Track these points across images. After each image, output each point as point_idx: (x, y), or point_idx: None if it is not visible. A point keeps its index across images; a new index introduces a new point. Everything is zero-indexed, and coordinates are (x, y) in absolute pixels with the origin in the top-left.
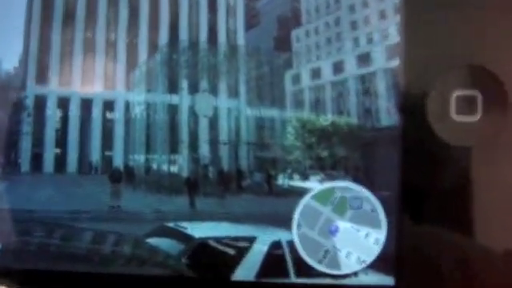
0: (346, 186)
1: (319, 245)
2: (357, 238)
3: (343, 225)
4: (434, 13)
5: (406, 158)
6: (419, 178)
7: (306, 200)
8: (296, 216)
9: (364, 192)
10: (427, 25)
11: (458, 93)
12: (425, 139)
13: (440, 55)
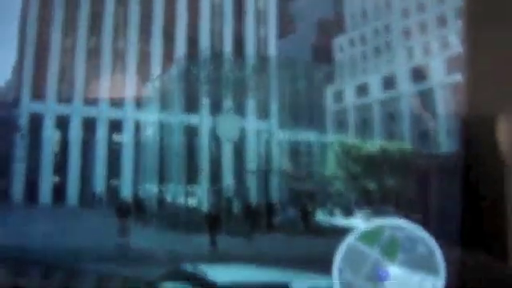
0: (397, 224)
1: None
2: (410, 285)
3: (394, 270)
4: (502, 17)
5: (471, 190)
6: (486, 215)
7: (349, 240)
8: (338, 259)
9: (419, 231)
10: (495, 32)
11: None
12: (493, 168)
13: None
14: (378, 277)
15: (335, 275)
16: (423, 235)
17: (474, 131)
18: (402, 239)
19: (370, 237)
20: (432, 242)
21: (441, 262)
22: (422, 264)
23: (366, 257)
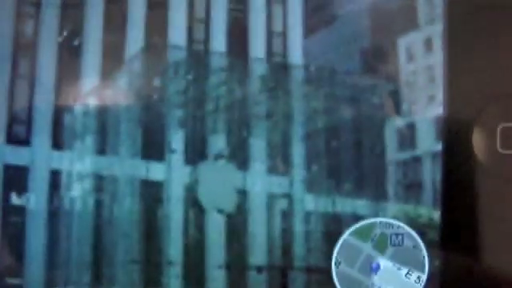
0: (386, 221)
1: (359, 283)
2: (398, 277)
3: (384, 262)
4: (477, 40)
5: (451, 192)
6: (464, 214)
7: (345, 237)
8: (335, 253)
9: (405, 228)
10: (470, 52)
11: (503, 125)
12: (470, 173)
13: (485, 85)
14: (370, 268)
15: (333, 267)
16: (409, 231)
17: (453, 140)
18: (390, 235)
19: (362, 233)
20: (417, 238)
21: (425, 256)
22: (409, 257)
23: (359, 251)
